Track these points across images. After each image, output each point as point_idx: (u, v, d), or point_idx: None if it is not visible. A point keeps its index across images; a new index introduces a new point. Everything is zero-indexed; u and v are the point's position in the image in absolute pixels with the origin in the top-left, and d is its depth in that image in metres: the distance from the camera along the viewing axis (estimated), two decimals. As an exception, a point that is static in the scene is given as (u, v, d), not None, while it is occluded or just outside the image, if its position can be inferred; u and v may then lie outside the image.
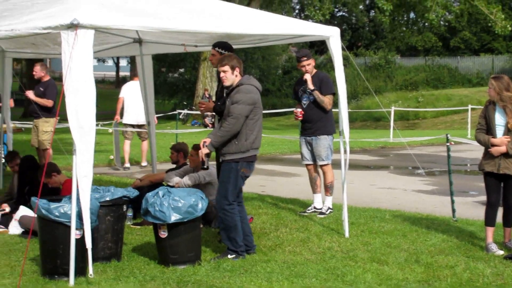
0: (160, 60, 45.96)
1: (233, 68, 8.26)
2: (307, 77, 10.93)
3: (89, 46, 7.24)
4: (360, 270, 7.87)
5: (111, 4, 7.89)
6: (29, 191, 10.44)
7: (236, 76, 8.31)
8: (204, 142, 8.33)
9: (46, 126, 13.33)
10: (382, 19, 34.45)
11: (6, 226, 9.85)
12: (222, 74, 8.31)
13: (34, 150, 13.75)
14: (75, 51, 7.14)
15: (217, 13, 8.94)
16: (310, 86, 10.88)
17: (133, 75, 17.65)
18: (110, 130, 19.54)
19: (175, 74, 50.00)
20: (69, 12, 7.41)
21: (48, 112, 13.30)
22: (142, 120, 16.37)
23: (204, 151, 8.28)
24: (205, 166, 8.49)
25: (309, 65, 10.95)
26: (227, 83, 8.32)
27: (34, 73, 13.81)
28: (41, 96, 13.38)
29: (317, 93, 10.85)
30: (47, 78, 13.68)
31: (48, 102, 13.28)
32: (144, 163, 17.86)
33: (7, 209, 10.07)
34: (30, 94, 13.24)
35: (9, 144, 14.00)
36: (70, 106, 7.20)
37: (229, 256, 8.30)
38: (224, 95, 8.63)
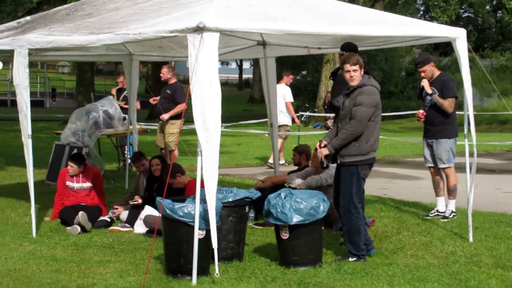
0: (282, 63, 46.18)
1: (361, 68, 8.19)
2: (424, 83, 10.81)
3: (215, 49, 7.35)
4: (484, 276, 7.69)
5: (235, 8, 8.00)
6: (157, 189, 10.71)
7: (362, 76, 8.25)
8: (321, 142, 8.32)
9: (172, 128, 13.64)
10: (510, 20, 33.52)
11: (132, 225, 10.13)
12: (352, 74, 8.19)
13: (158, 151, 14.06)
14: (201, 54, 7.26)
15: (341, 15, 8.91)
16: (428, 90, 10.74)
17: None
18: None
19: (297, 77, 50.10)
20: (195, 15, 7.56)
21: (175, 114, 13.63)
22: (281, 120, 16.83)
23: (323, 151, 8.26)
24: (324, 165, 8.48)
25: (424, 72, 10.81)
26: (355, 82, 8.22)
27: (161, 75, 14.13)
28: (168, 99, 13.68)
29: (435, 97, 10.68)
30: (173, 80, 13.98)
31: (181, 106, 13.55)
32: (282, 161, 17.86)
33: (140, 200, 10.36)
34: (165, 115, 13.60)
35: (134, 145, 14.37)
36: (196, 108, 7.34)
37: (350, 259, 8.26)
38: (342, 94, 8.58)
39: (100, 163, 14.31)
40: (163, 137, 13.84)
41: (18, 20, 11.44)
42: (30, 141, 9.59)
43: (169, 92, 13.77)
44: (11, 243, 9.20)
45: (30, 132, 9.58)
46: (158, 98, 14.07)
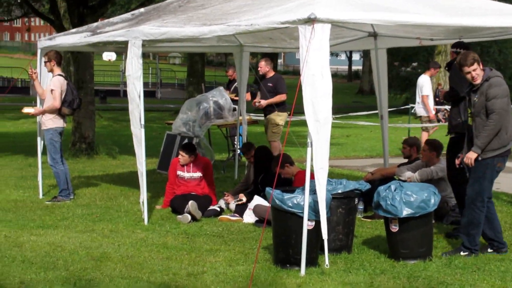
0: (392, 54, 45.62)
1: (479, 63, 7.97)
2: None
3: (326, 40, 7.33)
4: None
5: (346, -2, 7.94)
6: (262, 180, 10.75)
7: (483, 70, 8.04)
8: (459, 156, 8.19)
9: (279, 119, 13.69)
10: None
11: (241, 214, 10.22)
12: (473, 74, 7.93)
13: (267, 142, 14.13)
14: (312, 45, 7.25)
15: (455, 5, 8.72)
16: None
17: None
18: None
19: (407, 68, 49.37)
20: (307, 6, 7.55)
21: (281, 105, 13.66)
22: (419, 112, 17.35)
23: (471, 156, 7.98)
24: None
25: None
26: (479, 80, 7.96)
27: (259, 68, 14.15)
28: (270, 91, 13.71)
29: None
30: (272, 73, 14.01)
31: (282, 97, 13.63)
32: None
33: (244, 199, 10.42)
34: (263, 101, 13.64)
35: (244, 135, 14.49)
36: (307, 99, 7.34)
37: (462, 253, 8.10)
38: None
39: (210, 153, 14.50)
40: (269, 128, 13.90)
41: (132, 12, 11.70)
42: (143, 131, 9.80)
43: (270, 84, 13.79)
44: (124, 230, 9.43)
45: (143, 122, 9.79)
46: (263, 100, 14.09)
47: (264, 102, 13.69)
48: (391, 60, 46.65)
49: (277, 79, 13.88)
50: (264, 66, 13.97)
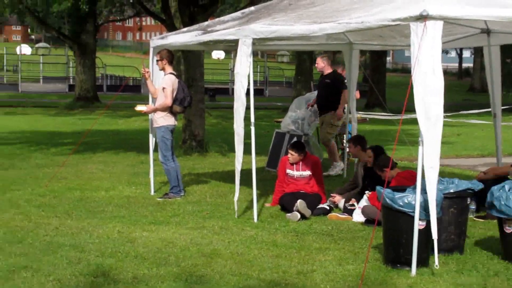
0: (505, 51, 44.45)
1: None
2: None
3: (438, 37, 7.21)
4: None
5: (458, -6, 7.78)
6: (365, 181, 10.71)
7: None
8: None
9: (336, 120, 13.59)
10: None
11: (350, 213, 10.17)
12: None
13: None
14: (423, 43, 7.15)
15: None
16: None
17: None
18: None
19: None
20: (418, 3, 7.44)
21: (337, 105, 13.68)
22: None
23: None
24: None
25: None
26: None
27: (316, 65, 14.08)
28: (328, 88, 13.64)
29: None
30: (330, 69, 13.86)
31: (346, 94, 13.53)
32: None
33: (356, 203, 10.29)
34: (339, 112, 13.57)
35: (353, 134, 14.40)
36: (418, 97, 7.24)
37: None
38: None
39: (318, 151, 14.48)
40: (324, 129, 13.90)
41: (242, 11, 11.80)
42: (253, 129, 9.88)
43: (328, 81, 13.72)
44: (234, 227, 9.52)
45: (253, 120, 9.87)
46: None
47: (340, 111, 13.63)
48: (503, 57, 45.54)
49: (335, 76, 13.75)
50: (320, 63, 13.85)
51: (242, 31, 9.80)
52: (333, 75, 13.87)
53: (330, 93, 13.74)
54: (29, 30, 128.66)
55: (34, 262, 7.60)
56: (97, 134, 22.89)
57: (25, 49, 63.00)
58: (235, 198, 10.15)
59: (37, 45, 76.75)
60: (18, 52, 57.78)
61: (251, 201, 10.15)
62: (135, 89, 50.03)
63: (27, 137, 22.33)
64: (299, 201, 10.04)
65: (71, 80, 53.38)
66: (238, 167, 10.06)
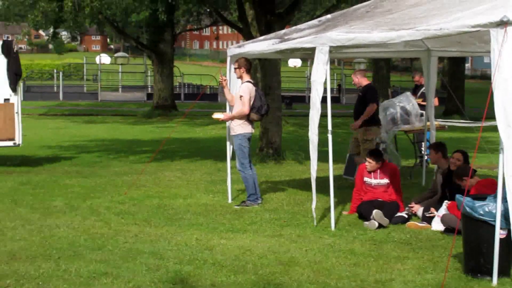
0: None
1: None
2: None
3: (519, 43, 7.07)
4: None
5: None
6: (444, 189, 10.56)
7: None
8: None
9: (367, 134, 13.14)
10: None
11: (429, 222, 10.04)
12: None
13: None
14: (504, 49, 7.03)
15: None
16: None
17: None
18: None
19: None
20: (498, 9, 7.32)
21: (369, 119, 13.07)
22: None
23: None
24: None
25: None
26: None
27: (353, 83, 13.72)
28: (360, 101, 13.25)
29: None
30: (365, 82, 13.45)
31: (371, 108, 13.04)
32: None
33: (435, 212, 10.14)
34: (356, 124, 13.14)
35: (432, 141, 14.22)
36: (498, 104, 7.12)
37: None
38: None
39: (397, 159, 14.35)
40: (356, 143, 13.41)
41: (319, 19, 11.79)
42: (330, 136, 9.85)
43: (360, 94, 13.35)
44: (311, 235, 9.50)
45: (330, 128, 9.84)
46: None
47: (357, 123, 13.11)
48: None
49: (367, 89, 13.29)
50: (354, 78, 13.50)
51: (319, 39, 9.79)
52: (364, 88, 13.49)
53: (360, 106, 13.35)
54: (108, 40, 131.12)
55: (114, 269, 7.73)
56: (175, 142, 23.17)
57: (105, 59, 64.18)
58: (313, 206, 10.14)
59: (116, 55, 78.04)
60: (97, 62, 58.88)
61: (329, 209, 10.12)
62: (212, 97, 50.42)
63: (106, 145, 22.76)
64: (375, 211, 9.97)
65: (149, 89, 54.24)
66: (313, 175, 10.04)
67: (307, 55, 12.41)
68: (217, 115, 11.96)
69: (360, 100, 13.38)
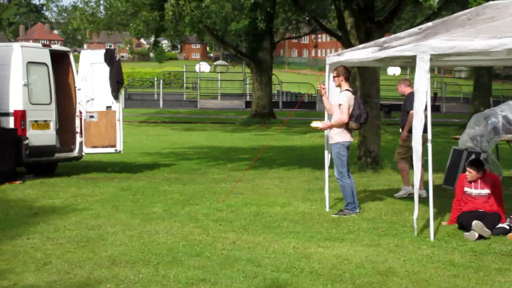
0: None
1: None
2: None
3: None
4: None
5: None
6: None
7: None
8: None
9: (408, 141, 12.95)
10: None
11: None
12: None
13: None
14: None
15: None
16: None
17: None
18: None
19: None
20: None
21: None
22: None
23: None
24: None
25: None
26: None
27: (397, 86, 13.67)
28: (403, 110, 13.31)
29: None
30: (409, 90, 13.23)
31: (411, 116, 12.75)
32: None
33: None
34: (404, 134, 13.18)
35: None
36: None
37: None
38: None
39: (498, 169, 14.03)
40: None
41: (419, 26, 11.66)
42: (430, 146, 9.71)
43: (403, 103, 13.29)
44: (410, 245, 9.38)
45: (430, 137, 9.72)
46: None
47: (404, 134, 13.31)
48: None
49: (408, 97, 13.21)
50: (398, 87, 13.66)
51: (419, 47, 9.67)
52: (406, 97, 13.48)
53: (402, 114, 13.53)
54: (208, 48, 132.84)
55: (211, 275, 7.80)
56: (273, 150, 23.26)
57: (204, 67, 65.09)
58: (414, 216, 9.97)
59: (215, 63, 79.07)
60: (197, 70, 59.78)
61: (428, 219, 9.97)
62: (310, 105, 50.47)
63: (205, 153, 23.04)
64: (475, 222, 9.77)
65: (247, 96, 54.66)
66: (416, 184, 9.91)
67: (407, 63, 12.30)
68: (315, 124, 11.95)
69: (402, 107, 13.57)
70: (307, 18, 43.73)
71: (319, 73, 75.37)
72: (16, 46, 15.98)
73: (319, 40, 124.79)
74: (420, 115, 9.72)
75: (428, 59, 9.49)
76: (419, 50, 9.62)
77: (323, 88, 11.71)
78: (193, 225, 10.60)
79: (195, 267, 8.13)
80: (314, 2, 38.89)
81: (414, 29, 11.43)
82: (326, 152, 12.15)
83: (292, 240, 9.65)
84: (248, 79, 55.93)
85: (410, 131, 12.59)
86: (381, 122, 19.49)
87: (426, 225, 10.12)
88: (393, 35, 11.59)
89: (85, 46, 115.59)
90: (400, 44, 10.50)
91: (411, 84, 13.56)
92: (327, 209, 12.04)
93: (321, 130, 12.31)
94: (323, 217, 11.41)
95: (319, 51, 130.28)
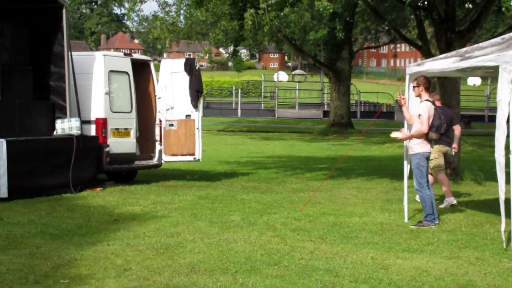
0: None
1: None
2: None
3: None
4: None
5: None
6: None
7: None
8: None
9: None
10: None
11: None
12: None
13: None
14: None
15: None
16: None
17: None
18: None
19: None
20: None
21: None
22: None
23: None
24: None
25: None
26: None
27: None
28: None
29: None
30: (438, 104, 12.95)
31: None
32: None
33: None
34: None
35: None
36: None
37: None
38: None
39: None
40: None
41: (502, 36, 11.45)
42: (511, 158, 9.54)
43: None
44: (490, 258, 9.21)
45: (511, 149, 9.55)
46: None
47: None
48: None
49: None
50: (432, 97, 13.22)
51: (502, 57, 9.51)
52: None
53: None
54: (286, 57, 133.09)
55: (289, 285, 7.79)
56: (351, 160, 23.14)
57: (282, 76, 65.21)
58: (502, 229, 9.76)
59: (293, 72, 79.11)
60: (275, 79, 59.93)
61: (510, 231, 9.76)
62: (389, 115, 50.07)
63: (283, 162, 23.06)
64: None
65: (325, 106, 54.55)
66: (501, 197, 9.70)
67: (488, 73, 12.11)
68: (395, 134, 11.86)
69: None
70: (386, 28, 43.43)
71: (398, 83, 74.79)
72: (98, 55, 16.34)
73: (398, 50, 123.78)
74: (503, 127, 9.54)
75: (511, 70, 9.32)
76: (502, 60, 9.46)
77: (403, 98, 11.62)
78: (271, 234, 10.61)
79: (273, 276, 8.14)
80: (394, 12, 38.62)
81: (497, 39, 11.23)
82: (405, 162, 12.03)
83: (370, 250, 9.58)
84: (326, 89, 55.83)
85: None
86: (461, 132, 19.18)
87: (508, 238, 9.91)
88: (475, 45, 11.41)
89: (164, 55, 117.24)
90: (482, 54, 10.35)
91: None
92: (406, 220, 11.91)
93: (401, 140, 12.21)
94: (401, 228, 11.30)
95: (398, 60, 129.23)
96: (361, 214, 12.53)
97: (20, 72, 15.33)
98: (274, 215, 12.35)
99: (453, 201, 13.53)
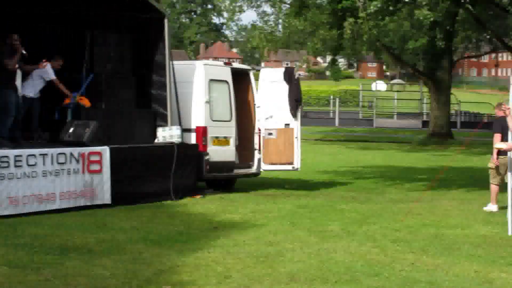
0: None
1: None
2: None
3: None
4: None
5: None
6: None
7: None
8: None
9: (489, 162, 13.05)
10: None
11: None
12: None
13: None
14: None
15: None
16: None
17: None
18: None
19: None
20: None
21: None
22: None
23: None
24: None
25: None
26: None
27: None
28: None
29: None
30: (499, 115, 12.63)
31: (494, 137, 13.07)
32: None
33: None
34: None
35: None
36: None
37: None
38: None
39: None
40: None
41: None
42: None
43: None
44: None
45: None
46: None
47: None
48: None
49: (492, 121, 12.58)
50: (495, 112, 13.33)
51: None
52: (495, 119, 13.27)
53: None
54: (384, 67, 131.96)
55: (391, 296, 7.71)
56: (451, 171, 22.72)
57: (380, 86, 64.79)
58: None
59: (392, 82, 78.47)
60: (373, 89, 59.56)
61: None
62: (490, 126, 49.01)
63: (381, 172, 22.86)
64: None
65: (424, 116, 53.82)
66: None
67: None
68: (499, 145, 11.62)
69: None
70: (488, 37, 42.59)
71: (499, 93, 73.17)
72: (199, 64, 16.55)
73: (500, 59, 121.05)
74: None
75: None
76: None
77: (508, 108, 11.35)
78: (370, 245, 10.51)
79: (373, 287, 8.06)
80: (497, 20, 37.82)
81: None
82: (509, 174, 11.74)
83: (473, 263, 9.37)
84: (425, 98, 55.09)
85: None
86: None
87: None
88: None
89: (262, 64, 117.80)
90: None
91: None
92: (510, 232, 11.60)
93: (505, 151, 11.96)
94: (505, 241, 11.02)
95: (499, 70, 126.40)
96: (463, 226, 12.29)
97: (124, 81, 15.69)
98: (373, 225, 12.23)
99: (493, 209, 13.94)
